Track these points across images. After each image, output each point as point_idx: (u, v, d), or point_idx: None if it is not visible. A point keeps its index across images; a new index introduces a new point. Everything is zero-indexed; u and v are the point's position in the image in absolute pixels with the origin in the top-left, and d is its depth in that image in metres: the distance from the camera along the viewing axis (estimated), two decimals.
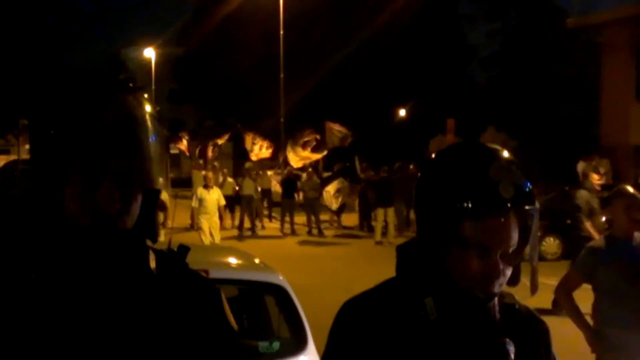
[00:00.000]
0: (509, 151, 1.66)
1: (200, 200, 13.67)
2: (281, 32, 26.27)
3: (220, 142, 21.34)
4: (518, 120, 36.59)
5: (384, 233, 17.35)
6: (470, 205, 1.55)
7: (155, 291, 1.40)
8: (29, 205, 1.42)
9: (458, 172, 1.59)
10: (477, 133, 33.89)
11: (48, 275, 1.35)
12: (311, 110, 34.27)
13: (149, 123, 1.42)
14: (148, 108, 1.45)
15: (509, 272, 1.60)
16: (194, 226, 13.89)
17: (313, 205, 19.52)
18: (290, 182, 19.64)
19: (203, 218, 13.61)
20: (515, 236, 1.58)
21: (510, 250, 1.58)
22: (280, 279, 4.53)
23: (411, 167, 20.17)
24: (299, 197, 19.96)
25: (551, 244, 14.57)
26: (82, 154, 1.32)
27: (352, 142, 19.31)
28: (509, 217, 1.56)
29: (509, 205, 1.55)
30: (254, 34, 39.12)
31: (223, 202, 14.19)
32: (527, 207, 1.58)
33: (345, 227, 20.71)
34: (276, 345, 4.25)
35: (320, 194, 19.22)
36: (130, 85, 1.46)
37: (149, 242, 1.47)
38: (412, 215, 20.06)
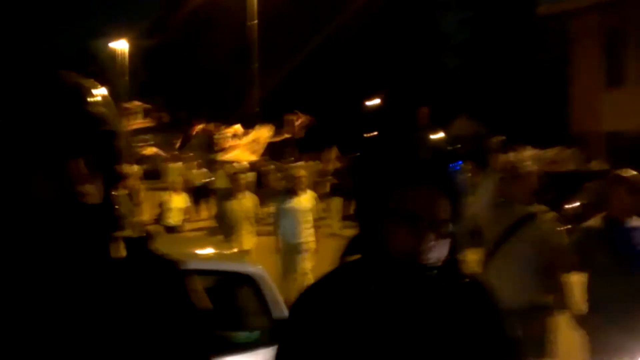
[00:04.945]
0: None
1: (284, 210, 8.98)
2: (255, 21, 26.08)
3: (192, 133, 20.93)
4: (490, 108, 36.85)
5: None
6: (395, 173, 1.57)
7: (117, 274, 1.39)
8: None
9: (386, 147, 1.66)
10: (450, 121, 34.07)
11: (16, 257, 1.32)
12: (284, 100, 34.18)
13: (107, 99, 1.39)
14: (103, 90, 1.41)
15: (444, 244, 1.57)
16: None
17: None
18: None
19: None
20: (445, 205, 1.56)
21: (442, 220, 1.56)
22: (255, 268, 4.52)
23: None
24: None
25: None
26: (46, 134, 1.28)
27: (325, 133, 19.20)
28: (434, 183, 1.56)
29: (429, 167, 1.57)
30: (225, 24, 38.87)
31: (315, 210, 9.40)
32: (449, 169, 1.59)
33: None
34: (255, 334, 4.23)
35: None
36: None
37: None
38: None
